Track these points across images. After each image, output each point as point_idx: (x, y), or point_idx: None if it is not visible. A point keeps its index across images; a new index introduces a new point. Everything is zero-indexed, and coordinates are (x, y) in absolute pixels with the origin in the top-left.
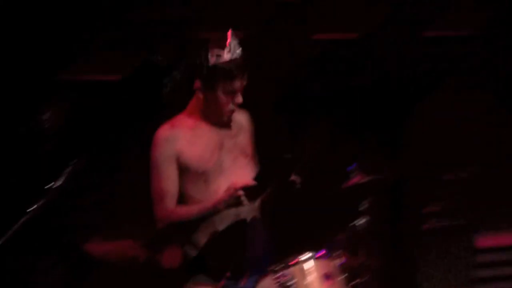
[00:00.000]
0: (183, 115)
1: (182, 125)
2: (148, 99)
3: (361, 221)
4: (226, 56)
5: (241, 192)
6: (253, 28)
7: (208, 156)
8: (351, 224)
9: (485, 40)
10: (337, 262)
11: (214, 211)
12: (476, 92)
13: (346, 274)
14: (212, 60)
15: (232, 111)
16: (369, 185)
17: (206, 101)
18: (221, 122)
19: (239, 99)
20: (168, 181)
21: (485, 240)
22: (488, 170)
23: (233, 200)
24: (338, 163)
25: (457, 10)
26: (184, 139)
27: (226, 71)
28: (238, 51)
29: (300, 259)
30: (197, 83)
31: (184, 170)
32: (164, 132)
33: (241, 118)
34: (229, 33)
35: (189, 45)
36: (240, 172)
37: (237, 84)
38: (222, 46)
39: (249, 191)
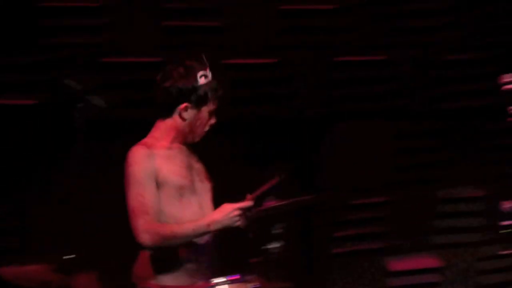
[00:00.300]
0: (150, 139)
1: (156, 145)
2: (63, 124)
3: (274, 245)
4: (210, 75)
5: (237, 212)
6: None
7: (184, 173)
8: (265, 248)
9: (396, 64)
10: (250, 286)
11: (207, 232)
12: (387, 118)
13: None
14: (201, 80)
15: (206, 132)
16: (283, 210)
17: (189, 122)
18: (192, 145)
19: (215, 119)
20: (152, 195)
21: (397, 264)
22: (399, 195)
23: (228, 221)
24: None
25: (370, 35)
26: (161, 156)
27: (215, 89)
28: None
29: (213, 283)
30: (183, 105)
31: (161, 185)
32: (142, 149)
33: None
34: (204, 55)
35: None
36: (208, 196)
37: (218, 103)
38: (204, 67)
39: (245, 212)
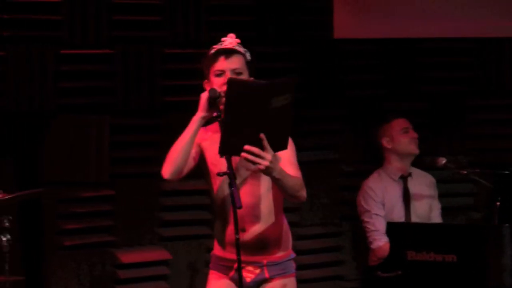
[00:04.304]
0: None
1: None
2: None
3: (4, 238)
4: (217, 46)
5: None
6: None
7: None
8: None
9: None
10: None
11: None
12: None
13: None
14: (210, 52)
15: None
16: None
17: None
18: None
19: (223, 80)
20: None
21: (127, 256)
22: (123, 188)
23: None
24: None
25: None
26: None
27: (213, 54)
28: (236, 44)
29: None
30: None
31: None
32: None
33: None
34: (231, 34)
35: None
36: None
37: (222, 64)
38: (221, 43)
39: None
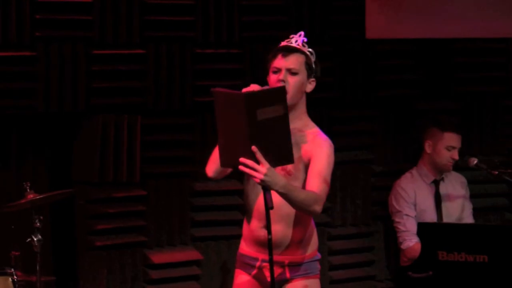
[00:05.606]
0: None
1: None
2: None
3: (35, 238)
4: (283, 43)
5: None
6: None
7: None
8: (26, 241)
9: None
10: (10, 279)
11: None
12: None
13: None
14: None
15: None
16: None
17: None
18: None
19: (281, 76)
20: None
21: (158, 257)
22: (155, 188)
23: None
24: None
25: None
26: None
27: (274, 51)
28: (301, 43)
29: None
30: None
31: None
32: None
33: None
34: (301, 32)
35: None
36: None
37: (279, 62)
38: (289, 40)
39: None
